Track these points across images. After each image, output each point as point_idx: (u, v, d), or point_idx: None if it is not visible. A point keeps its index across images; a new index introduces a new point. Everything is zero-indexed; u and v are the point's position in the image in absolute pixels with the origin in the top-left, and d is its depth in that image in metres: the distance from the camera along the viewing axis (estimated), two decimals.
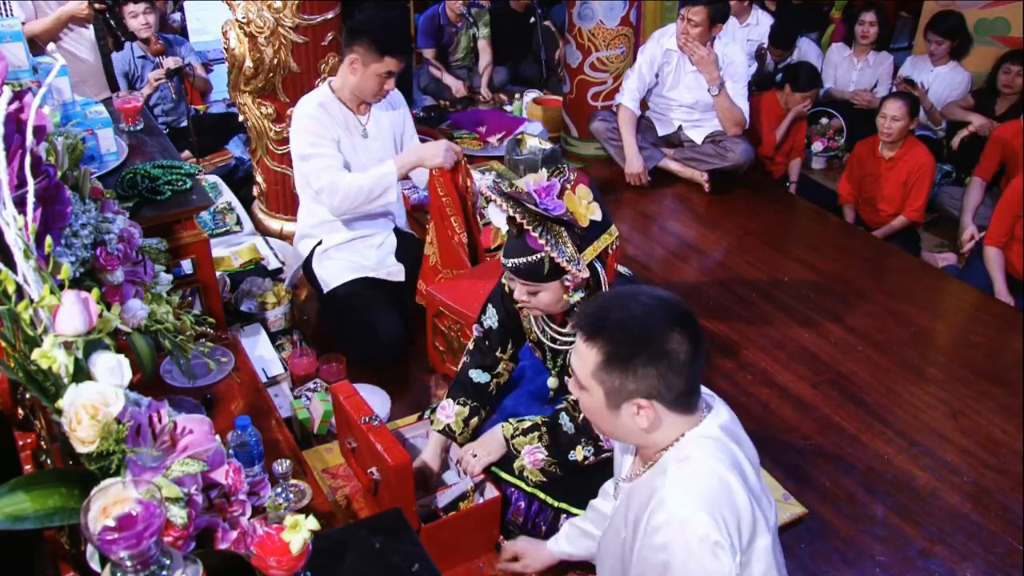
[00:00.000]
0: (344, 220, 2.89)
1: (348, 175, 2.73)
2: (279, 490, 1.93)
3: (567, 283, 1.86)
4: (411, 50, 2.70)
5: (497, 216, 1.87)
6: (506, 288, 2.16)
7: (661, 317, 1.38)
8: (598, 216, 1.85)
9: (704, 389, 1.52)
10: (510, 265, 1.88)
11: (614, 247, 1.92)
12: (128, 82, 4.28)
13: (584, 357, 1.42)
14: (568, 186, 1.82)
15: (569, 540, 1.99)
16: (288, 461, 1.92)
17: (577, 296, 1.89)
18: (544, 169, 1.86)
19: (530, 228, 1.78)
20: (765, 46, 5.14)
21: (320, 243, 2.93)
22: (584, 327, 1.42)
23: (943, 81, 4.90)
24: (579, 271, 1.81)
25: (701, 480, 1.38)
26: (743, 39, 5.13)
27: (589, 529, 1.94)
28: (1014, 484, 2.51)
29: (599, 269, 1.90)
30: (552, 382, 2.17)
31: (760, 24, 5.21)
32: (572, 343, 2.00)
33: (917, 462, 2.59)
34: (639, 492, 1.48)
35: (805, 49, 5.35)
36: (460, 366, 2.29)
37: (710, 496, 1.36)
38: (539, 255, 1.82)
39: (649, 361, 1.37)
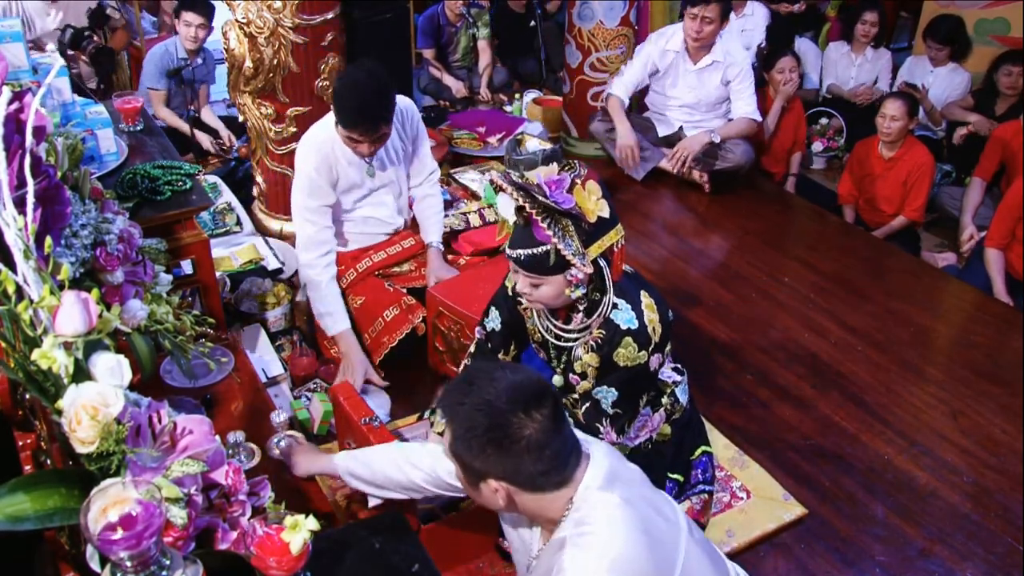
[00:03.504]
0: (347, 233, 2.90)
1: (319, 273, 2.70)
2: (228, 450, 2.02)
3: (570, 278, 1.86)
4: (377, 124, 2.55)
5: (506, 206, 1.86)
6: (510, 291, 2.17)
7: (511, 401, 1.39)
8: (606, 213, 1.85)
9: (584, 437, 1.53)
10: (515, 255, 1.87)
11: (620, 245, 1.92)
12: (166, 78, 4.26)
13: (445, 433, 1.47)
14: (578, 181, 1.82)
15: (354, 457, 1.95)
16: (242, 432, 2.01)
17: (579, 292, 1.90)
18: (555, 163, 1.86)
19: (539, 219, 1.78)
20: (763, 46, 5.13)
21: None
22: (443, 409, 1.47)
23: (943, 82, 4.90)
24: (584, 266, 1.81)
25: (601, 551, 1.38)
26: (737, 30, 5.12)
27: (375, 463, 1.89)
28: (1014, 484, 2.51)
29: (604, 266, 1.91)
30: (557, 380, 2.17)
31: (755, 15, 5.20)
32: (576, 339, 2.02)
33: (917, 462, 2.59)
34: (541, 566, 1.50)
35: (804, 49, 5.34)
36: (461, 368, 2.29)
37: (611, 566, 1.36)
38: (546, 247, 1.82)
39: (492, 445, 1.39)
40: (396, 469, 1.84)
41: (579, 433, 1.57)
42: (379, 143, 2.63)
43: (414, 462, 1.83)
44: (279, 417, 2.11)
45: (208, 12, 4.25)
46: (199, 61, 4.34)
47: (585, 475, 1.46)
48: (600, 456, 1.50)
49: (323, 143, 2.67)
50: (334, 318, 2.72)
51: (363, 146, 2.60)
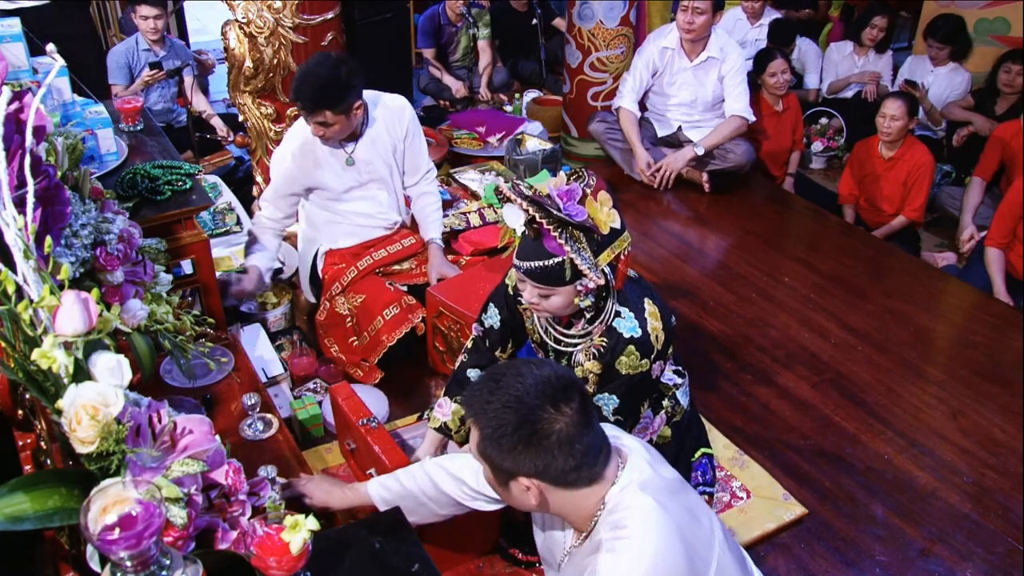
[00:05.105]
0: (347, 227, 2.91)
1: (263, 228, 2.89)
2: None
3: (580, 288, 1.83)
4: (315, 105, 2.57)
5: (514, 217, 1.81)
6: (510, 289, 2.16)
7: (539, 396, 1.38)
8: (617, 223, 1.83)
9: (615, 434, 1.52)
10: (526, 268, 1.83)
11: (626, 252, 1.89)
12: (129, 74, 4.28)
13: (472, 434, 1.44)
14: (589, 192, 1.79)
15: (385, 487, 1.86)
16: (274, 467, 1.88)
17: (588, 301, 1.87)
18: (563, 172, 1.83)
19: (556, 234, 1.75)
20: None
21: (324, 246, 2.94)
22: (469, 407, 1.44)
23: (943, 81, 4.90)
24: (597, 277, 1.79)
25: (637, 555, 1.36)
26: (753, 40, 5.12)
27: (412, 486, 1.81)
28: (1014, 484, 2.52)
29: (608, 273, 1.89)
30: None
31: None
32: (577, 344, 2.01)
33: (917, 462, 2.59)
34: (574, 565, 1.48)
35: (804, 48, 5.34)
36: (457, 364, 2.28)
37: (646, 572, 1.35)
38: (558, 259, 1.78)
39: (522, 442, 1.37)
40: (433, 487, 1.79)
41: (613, 429, 1.55)
42: (326, 128, 2.64)
43: (453, 473, 1.78)
44: (251, 400, 2.09)
45: (162, 1, 4.27)
46: (163, 52, 4.33)
47: (620, 475, 1.44)
48: (637, 456, 1.48)
49: (305, 126, 2.74)
50: (252, 250, 2.88)
51: (327, 130, 2.65)
